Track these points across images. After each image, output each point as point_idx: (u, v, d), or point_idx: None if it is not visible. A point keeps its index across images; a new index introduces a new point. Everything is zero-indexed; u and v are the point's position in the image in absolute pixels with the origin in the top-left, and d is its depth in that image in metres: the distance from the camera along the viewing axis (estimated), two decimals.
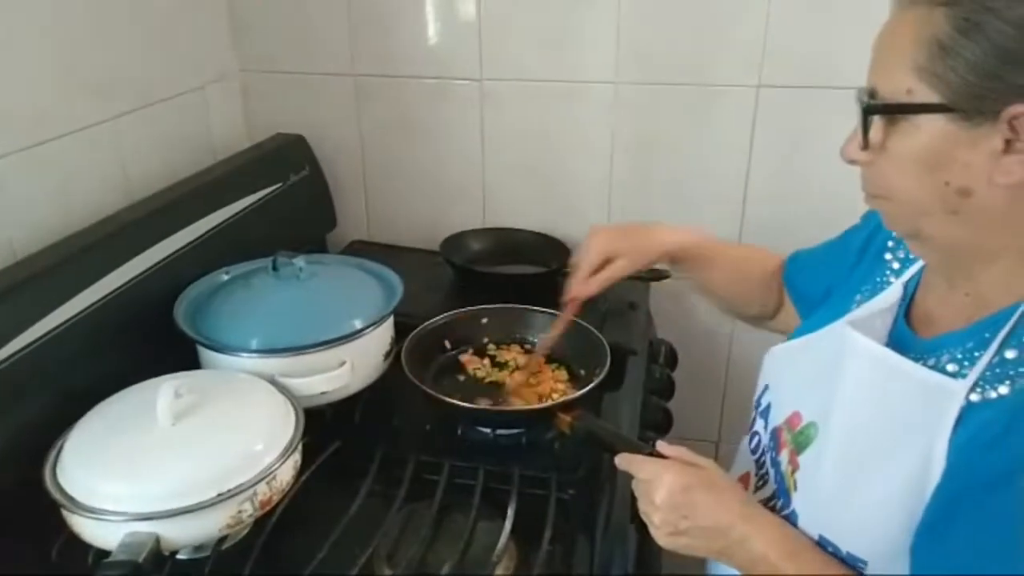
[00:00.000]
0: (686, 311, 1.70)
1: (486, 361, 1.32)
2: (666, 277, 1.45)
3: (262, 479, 0.90)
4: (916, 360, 0.80)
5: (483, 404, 1.19)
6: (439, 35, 1.61)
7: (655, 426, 1.34)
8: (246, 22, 1.67)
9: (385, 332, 1.20)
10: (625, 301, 1.52)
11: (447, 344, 1.33)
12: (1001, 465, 0.68)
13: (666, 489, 0.86)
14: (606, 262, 1.20)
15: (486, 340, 1.36)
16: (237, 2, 1.65)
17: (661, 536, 0.88)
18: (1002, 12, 0.68)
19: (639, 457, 0.93)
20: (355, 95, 1.69)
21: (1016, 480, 0.66)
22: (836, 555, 0.83)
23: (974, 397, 0.73)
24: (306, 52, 1.67)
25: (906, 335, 0.87)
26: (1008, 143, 0.70)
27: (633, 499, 0.92)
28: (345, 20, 1.63)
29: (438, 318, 1.32)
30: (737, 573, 0.88)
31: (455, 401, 1.15)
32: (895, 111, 0.75)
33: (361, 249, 1.71)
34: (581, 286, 1.21)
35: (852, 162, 0.81)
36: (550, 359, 1.30)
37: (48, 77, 1.22)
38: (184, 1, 1.52)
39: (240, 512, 0.89)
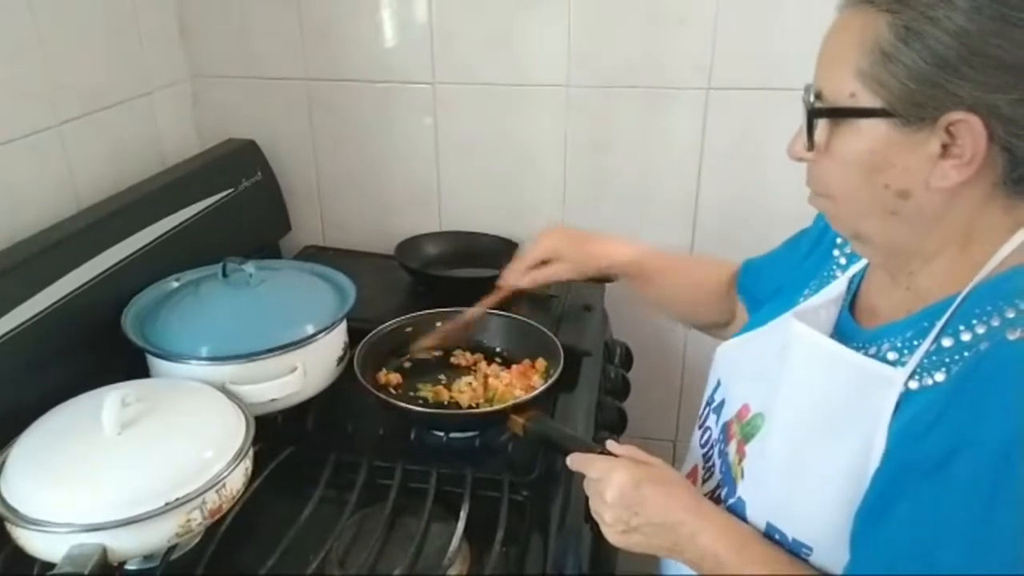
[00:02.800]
0: (641, 312, 1.72)
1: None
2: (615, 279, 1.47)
3: (211, 487, 0.89)
4: (858, 349, 0.83)
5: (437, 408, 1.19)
6: (391, 39, 1.61)
7: (610, 426, 1.35)
8: (195, 27, 1.65)
9: (338, 337, 1.20)
10: (580, 302, 1.53)
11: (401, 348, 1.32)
12: (935, 451, 0.69)
13: (616, 486, 0.87)
14: (547, 261, 1.26)
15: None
16: (186, 7, 1.64)
17: (613, 534, 0.89)
18: (942, 22, 0.69)
19: (590, 456, 0.94)
20: (307, 100, 1.68)
21: (949, 466, 0.68)
22: (783, 541, 0.84)
23: (912, 384, 0.75)
24: (257, 57, 1.66)
25: (850, 326, 0.89)
26: (945, 148, 0.72)
27: (586, 499, 0.93)
28: (296, 25, 1.62)
29: (391, 322, 1.31)
30: (690, 572, 0.89)
31: (408, 405, 1.15)
32: (838, 115, 0.77)
33: (315, 254, 1.71)
34: (515, 276, 1.27)
35: (798, 159, 0.83)
36: (531, 356, 1.29)
37: None
38: (132, 6, 1.50)
39: (189, 521, 0.88)
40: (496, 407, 1.14)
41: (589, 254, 1.27)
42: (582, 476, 0.94)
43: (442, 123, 1.65)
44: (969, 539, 0.67)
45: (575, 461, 0.95)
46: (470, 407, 1.19)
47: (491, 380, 1.23)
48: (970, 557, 0.67)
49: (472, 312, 1.30)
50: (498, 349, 1.33)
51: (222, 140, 1.68)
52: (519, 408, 1.10)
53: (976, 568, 0.66)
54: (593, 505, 0.91)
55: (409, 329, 1.33)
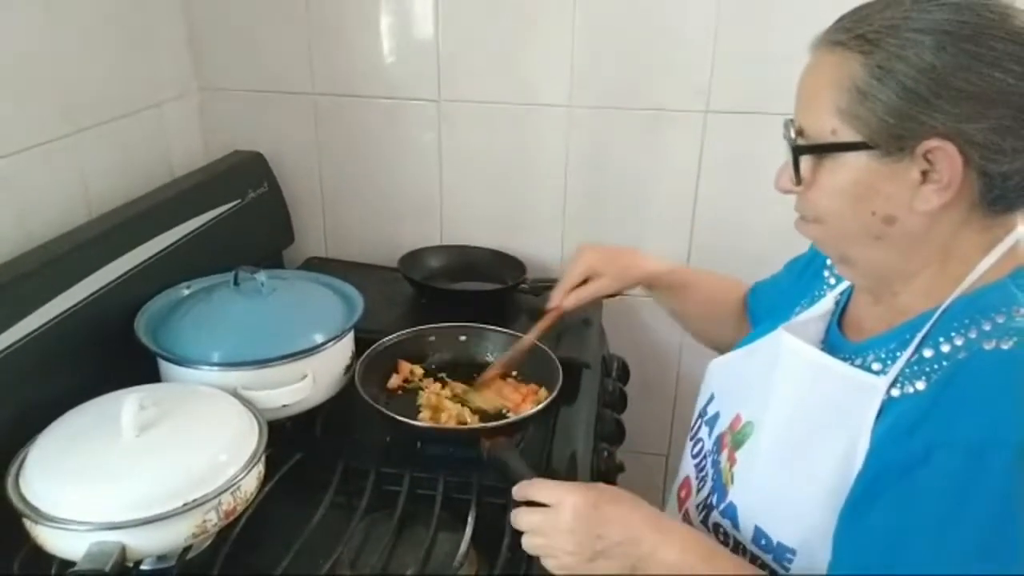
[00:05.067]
0: (638, 327, 1.75)
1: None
2: (618, 294, 1.49)
3: (227, 489, 0.91)
4: (845, 360, 0.87)
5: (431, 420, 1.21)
6: (397, 56, 1.64)
7: (608, 438, 1.37)
8: (204, 40, 1.68)
9: (346, 346, 1.22)
10: (579, 318, 1.55)
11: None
12: (914, 453, 0.74)
13: (572, 510, 0.86)
14: (588, 280, 1.30)
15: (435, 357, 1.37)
16: (195, 20, 1.66)
17: (578, 564, 0.86)
18: (911, 60, 0.75)
19: (537, 481, 0.93)
20: (313, 114, 1.71)
21: (927, 467, 0.73)
22: (768, 546, 0.87)
23: (894, 392, 0.80)
24: (264, 71, 1.69)
25: (838, 340, 0.94)
26: (925, 174, 0.77)
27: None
28: (304, 39, 1.65)
29: (392, 336, 1.33)
30: None
31: (392, 414, 1.16)
32: (822, 151, 0.82)
33: (319, 265, 1.73)
34: (561, 298, 1.31)
35: (786, 192, 0.87)
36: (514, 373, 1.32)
37: (5, 92, 1.22)
38: (141, 19, 1.52)
39: (205, 522, 0.90)
40: (470, 427, 1.17)
41: (625, 267, 1.32)
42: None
43: (446, 139, 1.68)
44: (941, 532, 0.71)
45: (520, 490, 0.93)
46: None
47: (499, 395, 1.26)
48: (942, 549, 0.71)
49: (529, 338, 1.31)
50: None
51: (229, 152, 1.71)
52: (490, 432, 1.12)
53: (948, 559, 0.71)
54: (547, 538, 0.88)
55: (410, 343, 1.35)
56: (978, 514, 0.70)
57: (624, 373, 1.59)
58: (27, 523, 0.88)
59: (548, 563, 0.88)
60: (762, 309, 1.21)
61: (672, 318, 1.39)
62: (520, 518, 0.90)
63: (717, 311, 1.32)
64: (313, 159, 1.75)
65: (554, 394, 1.21)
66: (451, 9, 1.59)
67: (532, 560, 0.97)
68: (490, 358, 1.36)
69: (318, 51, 1.66)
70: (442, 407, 1.23)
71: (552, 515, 0.88)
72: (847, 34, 0.79)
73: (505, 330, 1.37)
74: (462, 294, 1.62)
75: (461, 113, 1.66)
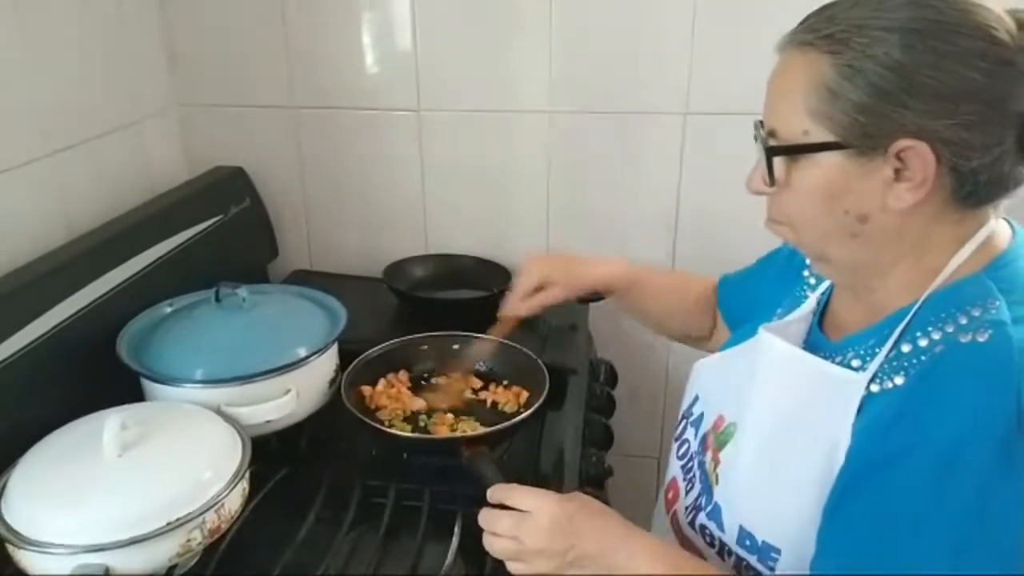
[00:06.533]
0: (625, 331, 1.75)
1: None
2: (602, 298, 1.49)
3: (211, 507, 0.91)
4: (826, 359, 0.88)
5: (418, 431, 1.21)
6: (376, 67, 1.65)
7: (597, 443, 1.37)
8: (183, 57, 1.68)
9: (329, 360, 1.22)
10: (566, 323, 1.56)
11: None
12: (893, 447, 0.75)
13: (548, 518, 0.87)
14: (540, 288, 1.28)
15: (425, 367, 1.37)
16: (174, 36, 1.66)
17: (548, 571, 0.87)
18: (880, 58, 0.75)
19: (516, 487, 0.93)
20: (294, 127, 1.71)
21: (906, 460, 0.74)
22: (752, 546, 0.88)
23: (874, 388, 0.80)
24: (244, 85, 1.69)
25: (819, 339, 0.94)
26: (897, 172, 0.77)
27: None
28: (283, 53, 1.65)
29: (381, 346, 1.33)
30: None
31: (382, 427, 1.17)
32: (795, 152, 0.82)
33: (303, 278, 1.72)
34: (515, 306, 1.29)
35: (758, 193, 0.87)
36: (504, 381, 1.33)
37: None
38: (119, 36, 1.52)
39: (190, 540, 0.90)
40: (454, 436, 1.18)
41: (578, 274, 1.31)
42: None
43: (427, 149, 1.69)
44: (922, 527, 0.72)
45: (496, 493, 0.93)
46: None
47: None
48: (922, 544, 0.72)
49: (481, 344, 1.33)
50: (484, 370, 1.36)
51: (210, 167, 1.70)
52: (471, 441, 1.12)
53: (928, 554, 0.71)
54: (518, 545, 0.88)
55: (395, 353, 1.35)
56: (957, 507, 0.71)
57: (612, 377, 1.59)
58: (10, 548, 0.88)
59: (516, 567, 0.89)
60: (737, 304, 1.21)
61: (637, 319, 1.39)
62: (491, 520, 0.91)
63: (677, 307, 1.33)
64: (295, 172, 1.75)
65: (541, 400, 1.21)
66: (428, 18, 1.59)
67: None
68: (480, 367, 1.36)
69: (297, 64, 1.66)
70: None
71: (528, 521, 0.88)
72: (815, 34, 0.80)
73: (497, 338, 1.36)
74: (447, 303, 1.62)
75: (442, 122, 1.66)
